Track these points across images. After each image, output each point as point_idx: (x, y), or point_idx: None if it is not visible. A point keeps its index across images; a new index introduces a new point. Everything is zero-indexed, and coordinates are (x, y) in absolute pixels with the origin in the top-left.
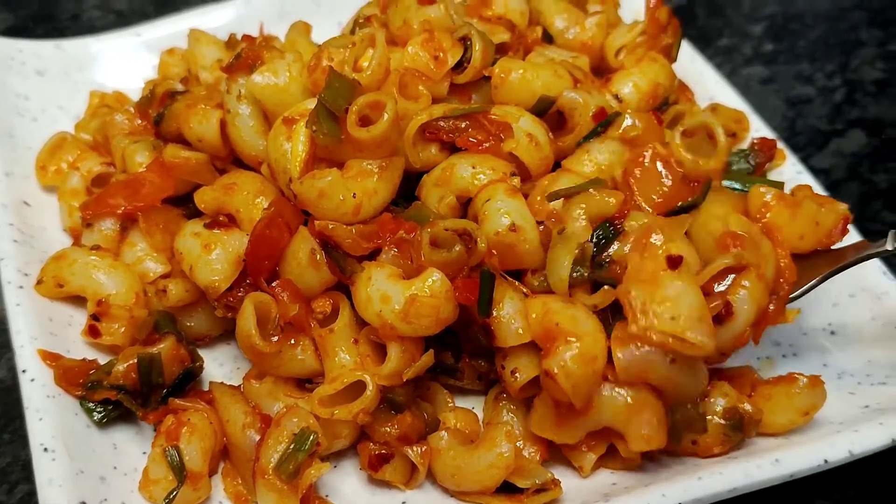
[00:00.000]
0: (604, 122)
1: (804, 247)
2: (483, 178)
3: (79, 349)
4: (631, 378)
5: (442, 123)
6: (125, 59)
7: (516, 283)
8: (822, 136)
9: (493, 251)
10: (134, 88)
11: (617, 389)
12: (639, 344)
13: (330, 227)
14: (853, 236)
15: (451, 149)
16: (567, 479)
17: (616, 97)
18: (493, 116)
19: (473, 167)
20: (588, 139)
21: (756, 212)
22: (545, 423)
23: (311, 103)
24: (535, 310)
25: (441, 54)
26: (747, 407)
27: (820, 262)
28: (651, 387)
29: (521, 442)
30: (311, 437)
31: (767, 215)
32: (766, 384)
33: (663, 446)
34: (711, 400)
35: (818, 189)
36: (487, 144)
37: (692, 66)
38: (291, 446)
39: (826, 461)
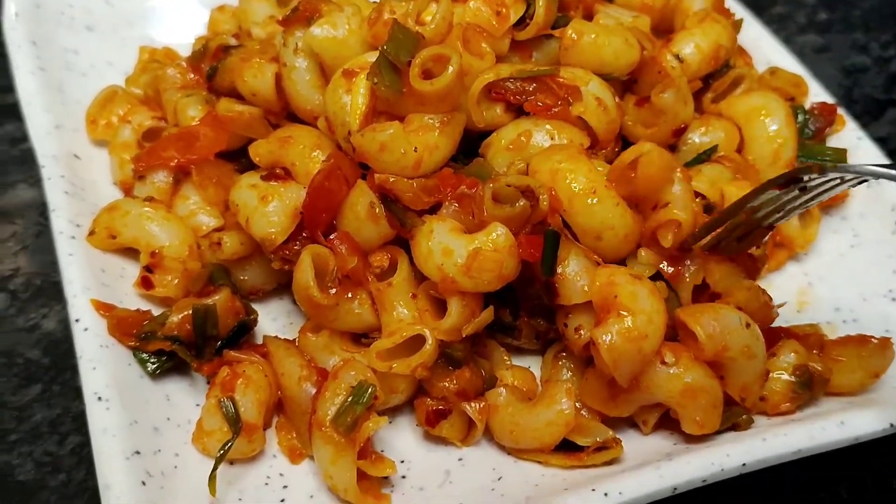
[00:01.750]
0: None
1: None
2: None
3: (131, 301)
4: (715, 350)
5: (509, 84)
6: (175, 16)
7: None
8: (879, 105)
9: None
10: (183, 44)
11: (672, 370)
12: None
13: (391, 180)
14: None
15: (517, 110)
16: (628, 437)
17: (677, 57)
18: (561, 80)
19: (552, 138)
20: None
21: None
22: (596, 395)
23: (372, 56)
24: (601, 278)
25: (503, 10)
26: (816, 365)
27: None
28: (711, 369)
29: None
30: (370, 390)
31: None
32: (834, 344)
33: (716, 429)
34: (780, 357)
35: (879, 154)
36: (556, 109)
37: (749, 30)
38: (349, 399)
39: (892, 425)
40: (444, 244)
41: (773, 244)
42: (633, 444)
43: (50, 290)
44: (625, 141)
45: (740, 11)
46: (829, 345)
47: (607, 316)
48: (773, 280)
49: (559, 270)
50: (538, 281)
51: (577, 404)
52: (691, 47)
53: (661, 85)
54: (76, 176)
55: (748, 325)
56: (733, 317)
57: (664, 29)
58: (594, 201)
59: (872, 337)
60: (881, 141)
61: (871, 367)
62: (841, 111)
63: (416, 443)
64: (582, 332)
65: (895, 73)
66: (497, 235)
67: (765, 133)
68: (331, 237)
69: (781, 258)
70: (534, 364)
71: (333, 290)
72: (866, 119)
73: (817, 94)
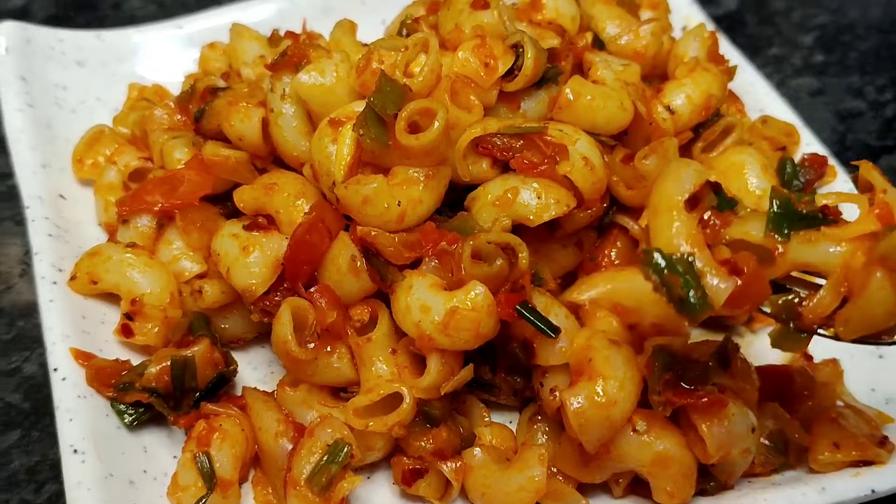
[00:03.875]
0: None
1: None
2: (554, 210)
3: (111, 348)
4: (719, 456)
5: (497, 140)
6: (166, 52)
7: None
8: (873, 151)
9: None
10: (174, 82)
11: (643, 438)
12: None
13: (372, 234)
14: None
15: (504, 165)
16: (603, 502)
17: (668, 108)
18: (549, 138)
19: (539, 196)
20: None
21: None
22: (569, 459)
23: (359, 106)
24: (579, 340)
25: (492, 61)
26: (794, 433)
27: None
28: (681, 438)
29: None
30: (346, 450)
31: None
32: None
33: (688, 501)
34: (759, 421)
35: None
36: (542, 167)
37: (742, 76)
38: (325, 458)
39: (873, 490)
40: (423, 301)
41: None
42: None
43: (33, 332)
44: (612, 198)
45: (735, 57)
46: None
47: (580, 379)
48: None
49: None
50: (516, 339)
51: (552, 468)
52: (682, 98)
53: (646, 149)
54: (61, 217)
55: (753, 430)
56: (744, 422)
57: (658, 75)
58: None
59: None
60: None
61: None
62: (832, 162)
63: (393, 499)
64: (557, 393)
65: (890, 119)
66: (475, 294)
67: (743, 186)
68: (311, 290)
69: None
70: (514, 419)
71: (312, 345)
72: None
73: (809, 143)
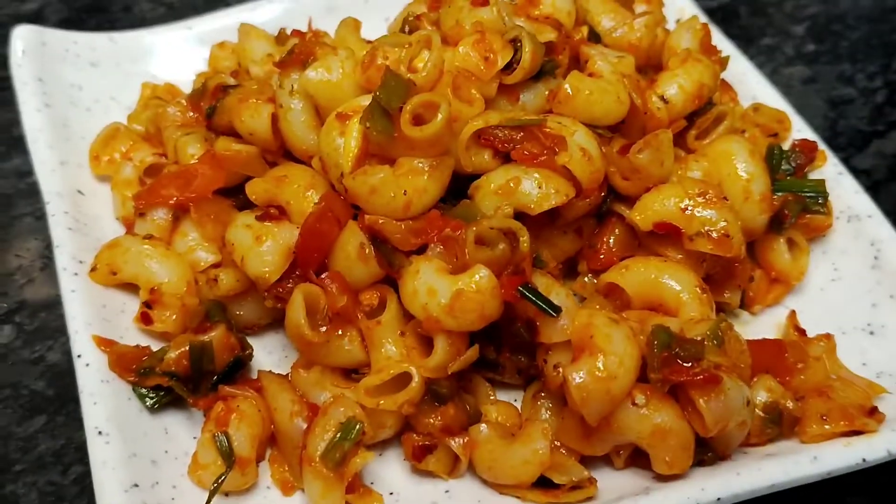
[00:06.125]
0: None
1: None
2: (554, 200)
3: (132, 336)
4: (717, 429)
5: (497, 132)
6: (177, 52)
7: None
8: (863, 136)
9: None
10: (185, 80)
11: (642, 411)
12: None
13: (380, 222)
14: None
15: (504, 156)
16: (606, 474)
17: (662, 98)
18: (547, 129)
19: (540, 186)
20: None
21: None
22: (572, 433)
23: (365, 100)
24: (581, 318)
25: (491, 55)
26: (788, 403)
27: None
28: (679, 411)
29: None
30: (357, 427)
31: None
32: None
33: (686, 470)
34: (753, 392)
35: (859, 189)
36: (542, 158)
37: (735, 65)
38: (338, 435)
39: (864, 460)
40: (429, 284)
41: (768, 281)
42: (611, 479)
43: (55, 322)
44: (609, 187)
45: (728, 47)
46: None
47: (581, 354)
48: (755, 312)
49: None
50: (520, 319)
51: (555, 442)
52: (675, 88)
53: (641, 142)
54: (80, 212)
55: (748, 403)
56: (739, 396)
57: (652, 66)
58: None
59: None
60: (865, 173)
61: None
62: (822, 147)
63: (404, 475)
64: (560, 369)
65: (880, 105)
66: (480, 277)
67: (733, 171)
68: (322, 276)
69: (779, 294)
70: (519, 397)
71: (324, 328)
72: (851, 151)
73: (800, 129)
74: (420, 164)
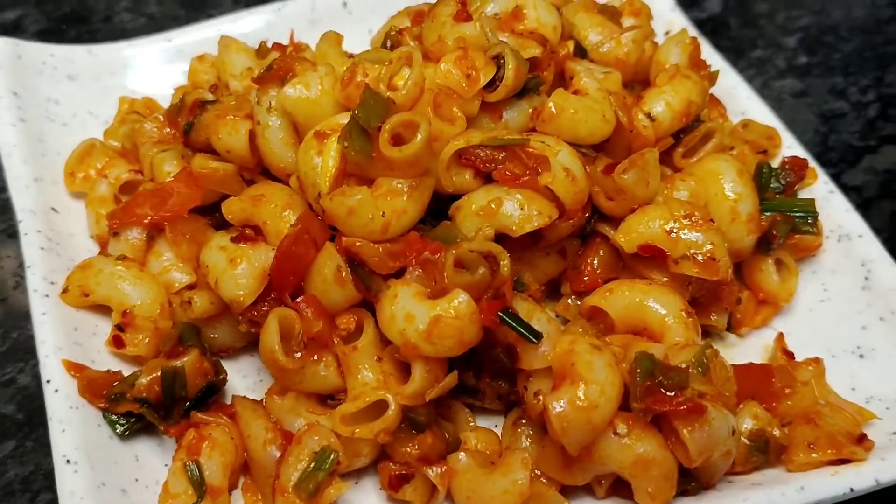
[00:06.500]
0: None
1: None
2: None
3: (103, 359)
4: (701, 461)
5: (479, 152)
6: (156, 65)
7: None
8: (855, 152)
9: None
10: (164, 94)
11: (624, 441)
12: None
13: (357, 244)
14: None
15: (486, 176)
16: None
17: (649, 116)
18: (531, 149)
19: (522, 208)
20: None
21: None
22: (552, 462)
23: (343, 118)
24: (562, 345)
25: (473, 72)
26: (774, 431)
27: None
28: (661, 440)
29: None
30: (332, 456)
31: None
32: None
33: (669, 501)
34: (739, 420)
35: (850, 207)
36: (524, 179)
37: (725, 80)
38: (312, 465)
39: (852, 489)
40: (407, 309)
41: (756, 302)
42: None
43: (26, 343)
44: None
45: (717, 61)
46: None
47: (562, 383)
48: (743, 335)
49: None
50: (500, 344)
51: (535, 471)
52: (662, 105)
53: (626, 162)
54: (53, 230)
55: (733, 433)
56: (724, 426)
57: (640, 80)
58: None
59: None
60: (856, 190)
61: None
62: (813, 164)
63: None
64: (540, 397)
65: (873, 119)
66: (459, 303)
67: (720, 191)
68: (298, 300)
69: (767, 315)
70: (500, 423)
71: (299, 354)
72: (842, 166)
73: (791, 146)
74: (399, 185)
